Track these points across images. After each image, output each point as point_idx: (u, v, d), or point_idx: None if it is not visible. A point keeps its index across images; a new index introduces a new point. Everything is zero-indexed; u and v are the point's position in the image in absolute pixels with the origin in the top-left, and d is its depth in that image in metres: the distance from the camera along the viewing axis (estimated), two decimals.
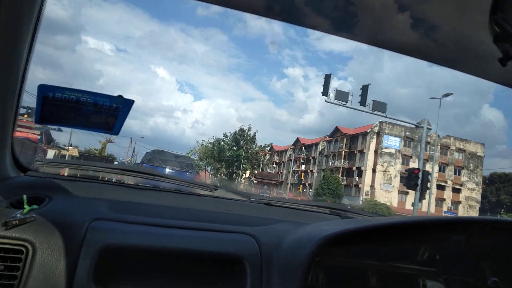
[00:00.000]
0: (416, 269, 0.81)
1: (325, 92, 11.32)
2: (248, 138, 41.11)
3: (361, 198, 33.45)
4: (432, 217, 0.81)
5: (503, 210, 37.80)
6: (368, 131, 36.53)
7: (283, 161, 52.07)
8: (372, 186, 35.05)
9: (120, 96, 0.72)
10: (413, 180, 10.70)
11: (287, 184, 47.25)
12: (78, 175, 1.10)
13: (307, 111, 75.80)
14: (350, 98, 11.90)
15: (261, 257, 0.74)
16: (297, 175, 32.37)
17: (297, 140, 49.80)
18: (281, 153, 52.27)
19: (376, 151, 35.34)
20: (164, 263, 0.71)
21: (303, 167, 46.77)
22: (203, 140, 47.17)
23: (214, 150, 42.83)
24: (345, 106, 11.86)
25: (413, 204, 12.21)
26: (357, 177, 36.35)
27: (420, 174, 10.44)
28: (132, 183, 1.15)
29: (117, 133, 0.79)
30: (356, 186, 36.04)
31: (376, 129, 36.40)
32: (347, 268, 0.78)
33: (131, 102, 0.73)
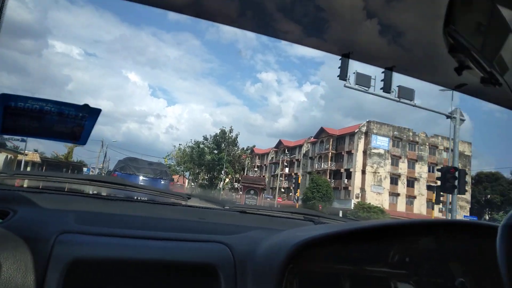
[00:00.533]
0: (387, 272, 0.88)
1: (343, 76, 9.92)
2: (229, 140, 41.05)
3: (352, 201, 33.76)
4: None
5: (493, 210, 39.85)
6: (355, 131, 36.98)
7: (264, 165, 52.67)
8: (362, 189, 35.56)
9: (86, 105, 0.74)
10: (449, 181, 9.49)
11: (270, 188, 47.52)
12: (44, 187, 1.09)
13: (281, 115, 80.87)
14: (372, 83, 10.50)
15: (235, 265, 0.78)
16: (293, 179, 32.36)
17: (280, 142, 50.36)
18: (263, 156, 52.83)
19: (365, 152, 36.01)
20: (136, 275, 0.73)
21: (286, 170, 47.17)
22: (180, 144, 47.42)
23: (193, 154, 42.59)
24: (368, 92, 10.59)
25: (441, 206, 11.71)
26: (346, 179, 36.90)
27: (457, 173, 9.33)
28: (103, 194, 1.16)
29: (84, 143, 0.80)
30: (346, 188, 36.54)
31: (363, 129, 37.07)
32: (321, 273, 0.83)
33: (98, 111, 0.75)
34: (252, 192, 19.26)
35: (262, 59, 78.93)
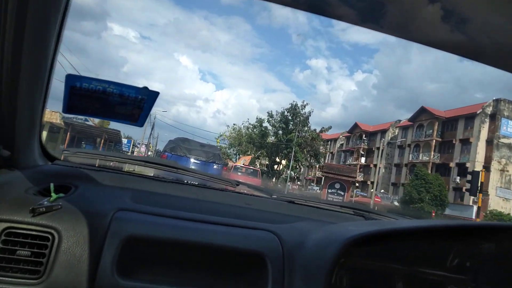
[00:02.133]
0: (444, 275, 0.96)
1: None
2: (301, 118, 39.46)
3: (474, 208, 29.35)
4: (463, 222, 0.94)
5: None
6: (477, 112, 32.98)
7: (331, 152, 52.60)
8: (483, 191, 31.95)
9: (146, 88, 0.92)
10: None
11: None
12: (102, 165, 1.36)
13: (329, 104, 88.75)
14: None
15: (283, 255, 0.92)
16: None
17: (355, 125, 49.03)
18: (328, 141, 52.44)
19: (489, 141, 32.17)
20: (187, 256, 0.92)
21: (363, 160, 45.79)
22: (234, 124, 47.80)
23: (253, 133, 42.24)
24: None
25: None
26: (459, 178, 33.20)
27: None
28: (157, 175, 1.41)
29: (141, 125, 1.00)
30: (458, 189, 32.96)
31: (489, 110, 33.05)
32: (372, 270, 0.94)
33: (156, 94, 0.93)
34: (337, 186, 17.88)
35: (313, 45, 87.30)
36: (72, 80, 0.95)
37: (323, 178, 20.85)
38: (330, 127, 41.78)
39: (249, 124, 44.19)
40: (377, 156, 44.07)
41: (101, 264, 0.84)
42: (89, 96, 0.97)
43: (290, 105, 40.25)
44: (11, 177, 1.01)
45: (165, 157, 12.70)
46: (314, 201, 1.49)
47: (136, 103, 0.96)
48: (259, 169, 25.17)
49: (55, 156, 1.26)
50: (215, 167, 13.27)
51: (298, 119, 39.60)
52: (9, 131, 0.97)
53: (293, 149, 37.48)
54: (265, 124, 42.07)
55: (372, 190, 34.78)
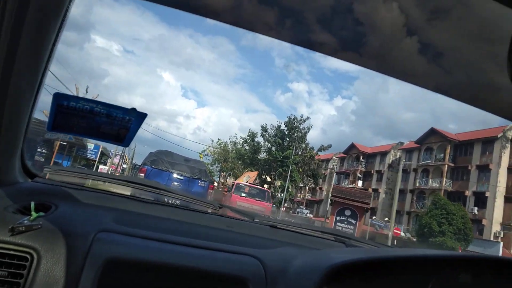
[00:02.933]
0: None
1: None
2: (299, 134, 39.24)
3: (501, 245, 28.46)
4: (441, 252, 1.08)
5: None
6: (498, 136, 32.75)
7: (323, 174, 52.51)
8: (507, 225, 30.72)
9: (134, 109, 1.03)
10: None
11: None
12: (84, 184, 1.46)
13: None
14: None
15: (267, 281, 1.02)
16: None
17: (352, 146, 49.41)
18: (321, 162, 52.52)
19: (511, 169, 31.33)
20: (168, 280, 1.00)
21: (360, 183, 45.58)
22: (219, 139, 48.61)
23: (243, 149, 41.71)
24: None
25: None
26: (476, 208, 32.77)
27: None
28: (138, 195, 1.52)
29: (127, 145, 1.11)
30: (476, 221, 31.89)
31: (511, 134, 32.77)
32: None
33: (144, 115, 1.04)
34: (348, 213, 16.66)
35: (295, 69, 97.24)
36: (59, 99, 1.04)
37: (331, 202, 19.78)
38: (330, 146, 41.39)
39: (240, 138, 44.24)
40: (377, 180, 44.78)
41: (80, 287, 0.90)
42: (75, 115, 1.07)
43: (288, 119, 40.26)
44: None
45: (144, 171, 12.48)
46: (296, 226, 1.63)
47: (123, 124, 1.06)
48: (268, 190, 22.62)
49: (36, 173, 1.35)
50: (200, 184, 12.99)
51: (296, 135, 39.71)
52: None
53: (289, 168, 37.09)
54: (257, 139, 42.01)
55: (386, 219, 34.04)
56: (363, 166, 47.25)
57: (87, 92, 29.56)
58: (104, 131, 1.09)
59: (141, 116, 1.05)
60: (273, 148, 40.25)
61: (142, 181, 1.63)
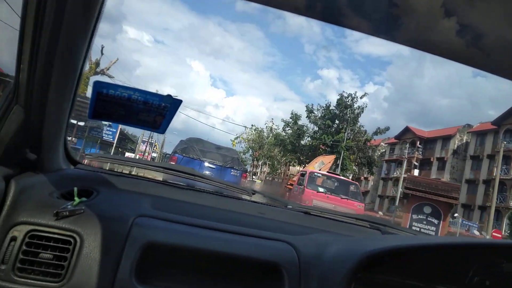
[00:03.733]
0: None
1: None
2: (352, 115, 36.40)
3: None
4: (484, 240, 1.11)
5: None
6: None
7: (381, 161, 50.23)
8: None
9: (170, 96, 1.15)
10: None
11: (379, 197, 43.71)
12: (123, 171, 1.63)
13: None
14: None
15: (300, 267, 1.12)
16: None
17: (406, 130, 46.58)
18: (376, 148, 49.98)
19: None
20: (204, 265, 1.13)
21: (416, 172, 42.04)
22: (253, 125, 46.43)
23: (284, 133, 39.07)
24: None
25: None
26: None
27: None
28: (175, 181, 1.68)
29: (163, 132, 1.24)
30: None
31: None
32: (388, 286, 1.13)
33: (179, 102, 1.16)
34: (428, 210, 13.71)
35: (325, 55, 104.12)
36: (99, 86, 1.17)
37: (404, 196, 17.31)
38: (387, 128, 36.92)
39: (281, 121, 41.55)
40: (438, 169, 41.42)
41: (120, 269, 1.03)
42: (114, 102, 1.19)
43: (339, 96, 36.99)
44: (36, 180, 1.22)
45: (175, 159, 13.27)
46: (329, 213, 1.74)
47: (159, 111, 1.19)
48: (356, 182, 19.01)
49: (78, 160, 1.52)
50: (233, 173, 13.61)
51: (348, 116, 36.46)
52: (37, 135, 1.19)
53: (341, 154, 34.03)
54: (301, 122, 39.28)
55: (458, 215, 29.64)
56: (420, 152, 44.71)
57: (102, 53, 29.82)
58: (141, 118, 1.21)
59: (176, 103, 1.17)
60: (320, 132, 37.38)
61: (177, 168, 1.79)
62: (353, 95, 36.01)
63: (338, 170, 31.78)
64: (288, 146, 38.93)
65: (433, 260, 1.15)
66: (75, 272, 1.01)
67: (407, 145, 44.65)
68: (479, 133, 38.93)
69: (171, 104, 1.18)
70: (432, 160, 43.49)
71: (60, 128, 1.28)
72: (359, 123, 36.86)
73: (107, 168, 1.63)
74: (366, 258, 1.05)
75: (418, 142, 44.75)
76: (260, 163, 55.82)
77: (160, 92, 1.19)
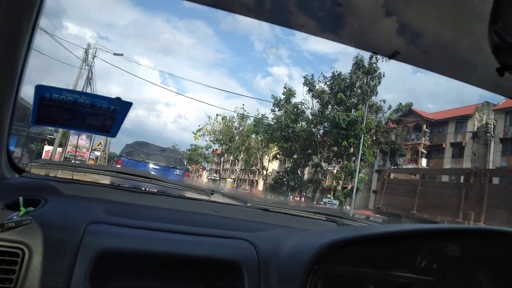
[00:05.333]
0: (413, 277, 1.26)
1: None
2: (367, 88, 29.78)
3: None
4: (429, 226, 1.29)
5: None
6: None
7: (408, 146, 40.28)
8: None
9: (119, 98, 1.17)
10: None
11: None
12: (72, 177, 1.58)
13: None
14: None
15: (259, 263, 1.21)
16: None
17: (409, 112, 36.68)
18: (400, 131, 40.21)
19: None
20: (162, 268, 1.21)
21: (424, 162, 36.16)
22: (218, 115, 40.08)
23: (276, 117, 33.05)
24: None
25: None
26: None
27: None
28: (129, 186, 1.76)
29: (114, 136, 1.25)
30: None
31: None
32: (345, 276, 1.24)
33: (129, 104, 1.18)
34: None
35: (275, 53, 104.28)
36: (41, 91, 1.19)
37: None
38: (410, 104, 31.34)
39: (273, 97, 34.65)
40: (454, 156, 32.52)
41: (73, 280, 1.03)
42: (59, 107, 1.25)
43: (354, 59, 29.90)
44: None
45: (121, 162, 14.70)
46: (288, 208, 1.88)
47: (108, 114, 1.23)
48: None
49: (23, 168, 1.59)
50: (175, 172, 15.18)
51: (368, 85, 29.72)
52: None
53: (361, 140, 27.35)
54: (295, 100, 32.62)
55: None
56: (428, 138, 38.61)
57: None
58: (90, 122, 1.27)
59: (127, 105, 1.20)
60: (330, 109, 30.12)
61: (132, 171, 1.89)
62: (376, 57, 28.01)
63: (357, 162, 27.44)
64: (277, 132, 32.90)
65: (385, 248, 1.27)
66: (24, 285, 1.01)
67: (410, 130, 38.21)
68: (508, 110, 32.24)
69: (121, 107, 1.18)
70: (444, 146, 37.22)
71: (1, 136, 1.31)
72: (376, 97, 30.57)
73: (56, 175, 1.63)
74: (321, 250, 1.14)
75: (425, 126, 37.54)
76: (229, 159, 52.56)
77: (107, 91, 1.21)
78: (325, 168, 33.25)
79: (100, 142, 38.51)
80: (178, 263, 1.18)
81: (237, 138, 39.33)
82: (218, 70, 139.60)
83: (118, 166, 13.79)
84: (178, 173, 15.21)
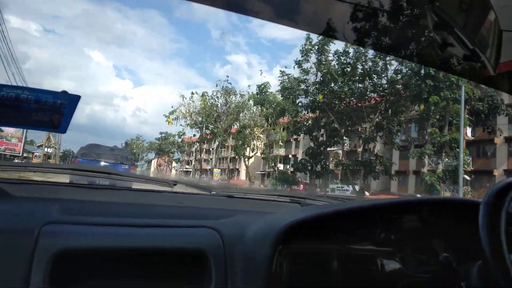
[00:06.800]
0: (373, 249, 1.32)
1: None
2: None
3: None
4: (386, 200, 1.37)
5: None
6: None
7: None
8: None
9: (65, 92, 1.11)
10: None
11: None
12: (24, 177, 1.50)
13: None
14: None
15: (225, 249, 1.20)
16: None
17: None
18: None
19: None
20: (125, 263, 1.17)
21: (469, 132, 27.76)
22: (194, 93, 34.60)
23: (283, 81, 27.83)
24: None
25: None
26: None
27: None
28: (86, 183, 1.69)
29: (64, 131, 1.19)
30: None
31: None
32: (309, 253, 1.27)
33: (77, 98, 1.12)
34: None
35: (232, 40, 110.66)
36: None
37: None
38: None
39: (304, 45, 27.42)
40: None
41: (31, 284, 0.96)
42: (0, 104, 1.13)
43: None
44: None
45: (76, 163, 16.92)
46: (253, 193, 1.89)
47: (55, 109, 1.16)
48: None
49: None
50: (123, 167, 17.66)
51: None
52: None
53: (462, 94, 19.10)
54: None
55: None
56: None
57: None
58: (35, 118, 1.20)
59: (74, 99, 1.14)
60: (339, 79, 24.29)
61: (89, 168, 1.77)
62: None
63: (461, 126, 19.62)
64: (290, 99, 27.02)
65: (345, 224, 1.30)
66: None
67: None
68: None
69: (68, 101, 1.12)
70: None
71: None
72: None
73: (4, 177, 1.49)
74: (284, 231, 1.14)
75: None
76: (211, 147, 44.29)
77: (57, 86, 1.15)
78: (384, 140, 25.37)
79: (49, 137, 34.91)
80: (142, 256, 1.15)
81: (223, 118, 32.93)
82: (175, 60, 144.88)
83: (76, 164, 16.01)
84: (125, 167, 17.89)
